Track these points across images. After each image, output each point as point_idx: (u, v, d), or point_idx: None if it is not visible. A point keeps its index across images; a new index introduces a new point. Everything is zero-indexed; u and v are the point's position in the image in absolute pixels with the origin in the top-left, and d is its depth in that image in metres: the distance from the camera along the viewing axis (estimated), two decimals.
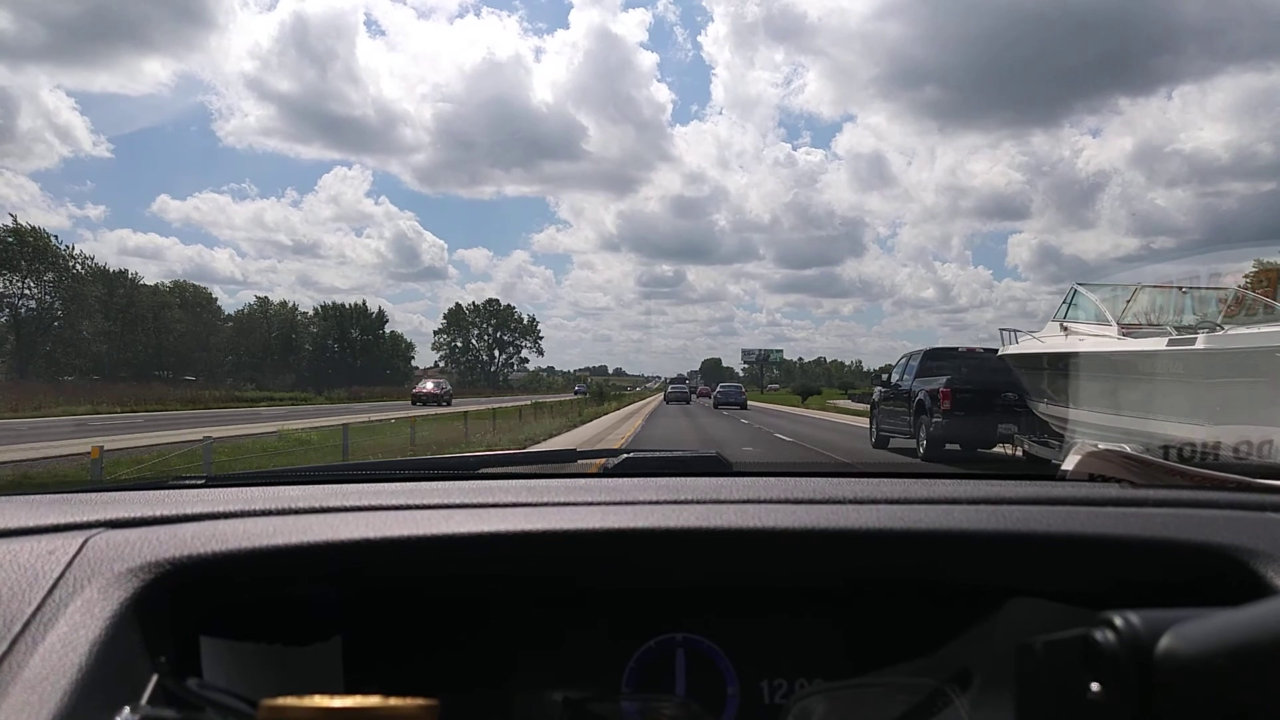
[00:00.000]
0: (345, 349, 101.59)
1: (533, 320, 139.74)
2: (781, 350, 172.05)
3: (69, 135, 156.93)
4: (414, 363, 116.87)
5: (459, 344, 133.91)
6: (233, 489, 1.07)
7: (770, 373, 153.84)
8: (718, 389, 56.00)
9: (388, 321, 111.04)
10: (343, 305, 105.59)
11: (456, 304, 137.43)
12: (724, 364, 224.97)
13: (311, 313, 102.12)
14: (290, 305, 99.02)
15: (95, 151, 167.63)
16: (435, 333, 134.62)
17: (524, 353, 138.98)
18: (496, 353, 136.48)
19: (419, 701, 0.55)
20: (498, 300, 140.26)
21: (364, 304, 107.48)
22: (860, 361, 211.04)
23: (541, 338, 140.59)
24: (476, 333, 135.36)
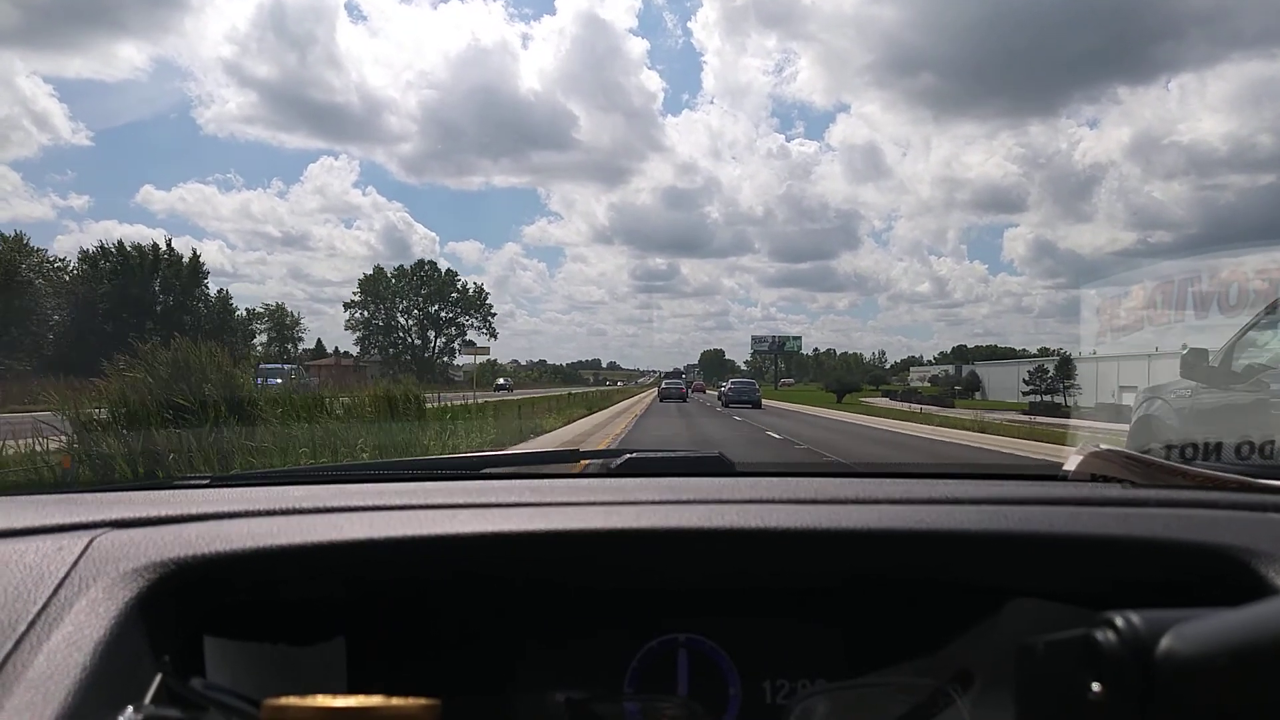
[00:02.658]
0: (129, 314, 59.46)
1: (480, 292, 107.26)
2: (800, 338, 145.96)
3: (47, 123, 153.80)
4: (300, 344, 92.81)
5: (379, 321, 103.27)
6: (237, 489, 1.08)
7: (776, 365, 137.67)
8: (728, 385, 49.87)
9: (206, 274, 69.74)
10: (139, 247, 64.76)
11: (376, 267, 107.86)
12: (726, 356, 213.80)
13: (71, 262, 62.04)
14: (23, 238, 58.13)
15: (75, 140, 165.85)
16: (346, 305, 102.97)
17: (471, 334, 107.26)
18: (432, 334, 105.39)
19: (421, 701, 0.55)
20: (433, 263, 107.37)
21: (169, 243, 67.62)
22: (883, 353, 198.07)
23: (494, 314, 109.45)
24: (404, 305, 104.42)
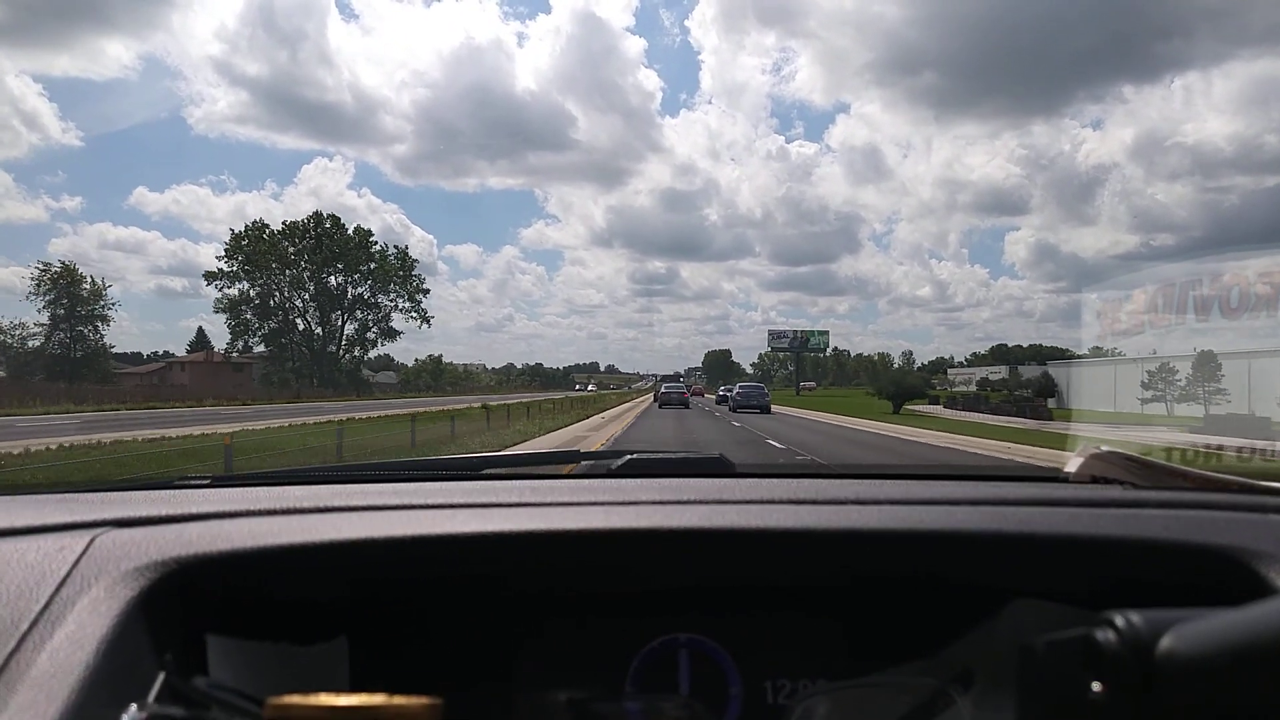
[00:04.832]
0: None
1: (404, 259, 78.65)
2: (826, 333, 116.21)
3: (36, 122, 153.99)
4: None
5: (255, 297, 73.31)
6: (238, 489, 1.08)
7: (798, 367, 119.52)
8: (736, 389, 45.82)
9: None
10: None
11: (258, 221, 76.39)
12: (733, 358, 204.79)
13: None
14: None
15: (65, 139, 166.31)
16: (206, 275, 73.01)
17: (395, 320, 78.99)
18: (338, 318, 77.09)
19: (423, 700, 0.56)
20: (336, 218, 76.61)
21: None
22: (910, 352, 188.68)
23: (426, 291, 79.50)
24: (290, 276, 74.35)
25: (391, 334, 79.84)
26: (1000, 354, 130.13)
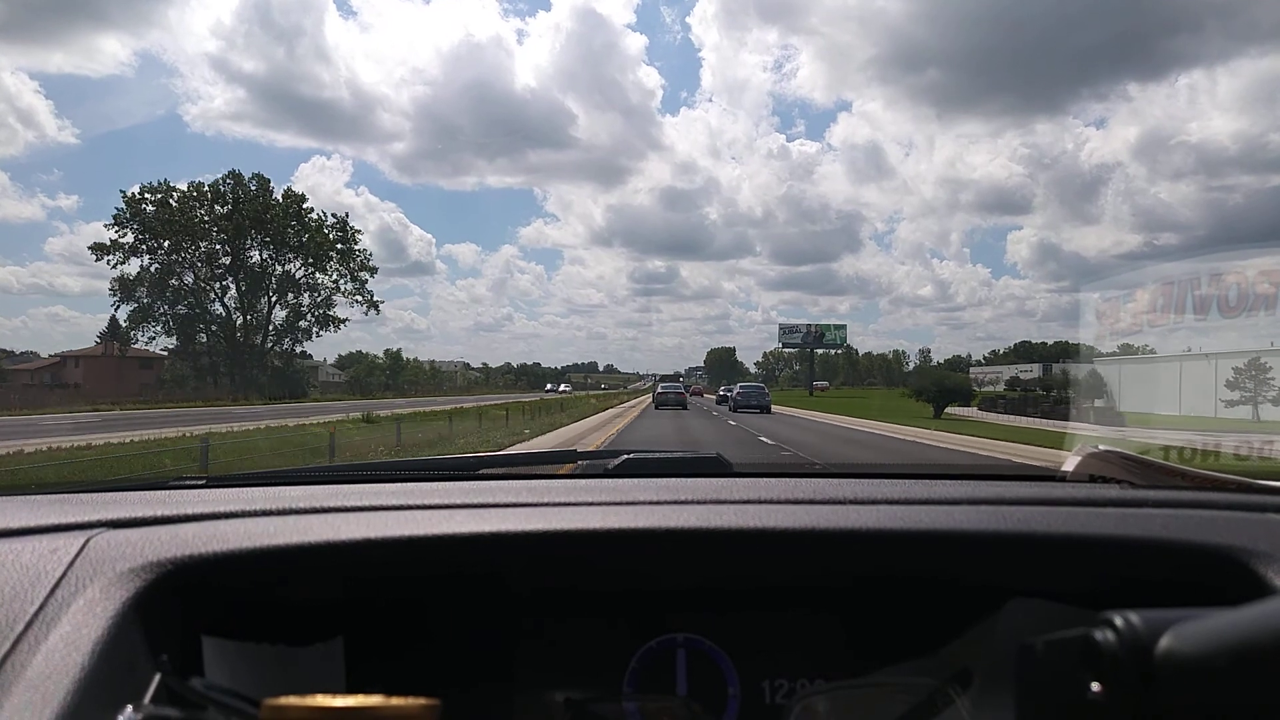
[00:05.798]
0: None
1: (344, 228, 63.51)
2: (844, 327, 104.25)
3: (32, 120, 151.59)
4: None
5: (157, 275, 58.11)
6: (234, 489, 1.08)
7: (812, 364, 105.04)
8: (737, 389, 45.43)
9: None
10: None
11: (162, 182, 59.30)
12: (737, 356, 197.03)
13: None
14: None
15: (61, 137, 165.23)
16: (95, 249, 57.23)
17: (336, 304, 64.03)
18: (264, 302, 62.40)
19: (420, 701, 0.55)
20: (262, 177, 62.44)
21: None
22: (928, 350, 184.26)
23: (373, 270, 64.83)
24: (203, 250, 59.72)
25: (327, 322, 63.86)
26: (1024, 351, 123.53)
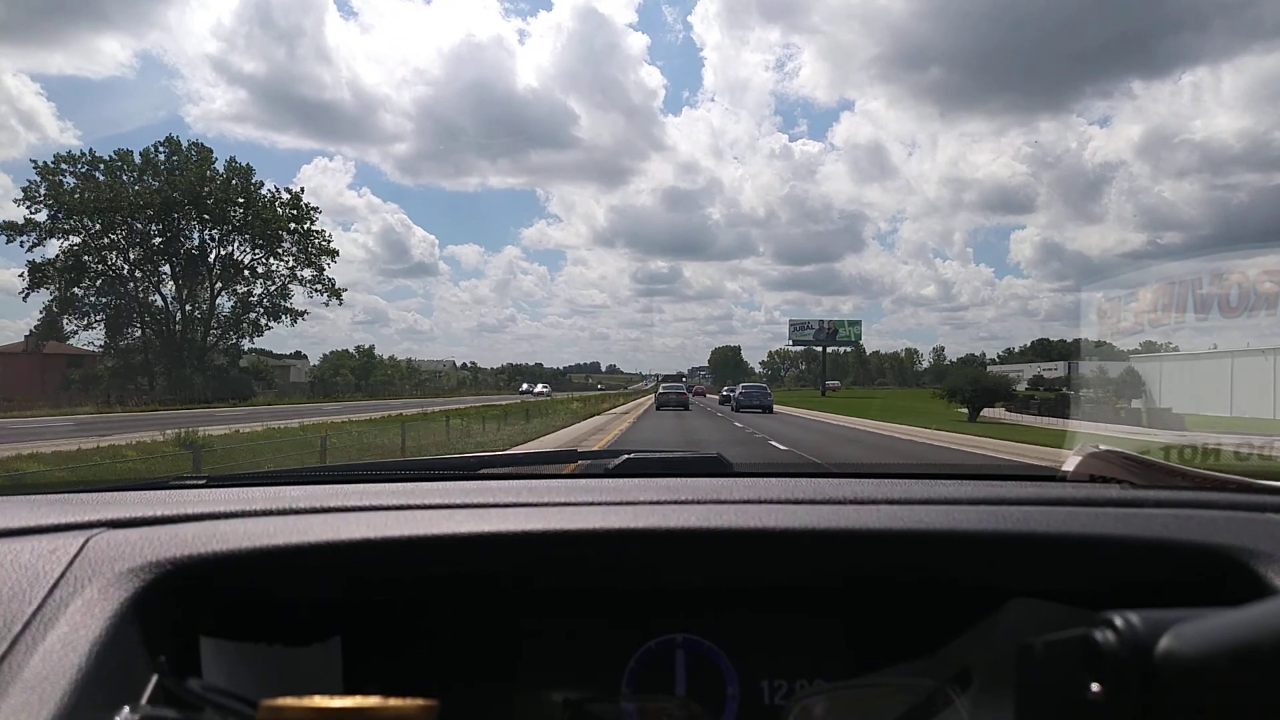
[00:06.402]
0: None
1: (298, 205, 54.08)
2: (859, 323, 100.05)
3: (34, 122, 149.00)
4: None
5: (71, 254, 48.36)
6: (233, 489, 1.08)
7: (824, 361, 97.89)
8: (739, 389, 45.28)
9: None
10: None
11: (87, 151, 52.66)
12: (742, 355, 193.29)
13: None
14: None
15: (63, 139, 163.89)
16: (2, 229, 46.88)
17: (294, 292, 53.92)
18: (209, 289, 53.09)
19: (418, 702, 0.55)
20: (201, 146, 53.28)
21: None
22: (941, 349, 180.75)
23: (333, 253, 55.34)
24: (135, 229, 49.88)
25: (279, 313, 53.87)
26: (1041, 349, 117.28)
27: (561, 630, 0.99)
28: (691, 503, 0.98)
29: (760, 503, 0.98)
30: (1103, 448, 1.20)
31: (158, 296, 53.12)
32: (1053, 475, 1.25)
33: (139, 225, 50.22)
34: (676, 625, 1.00)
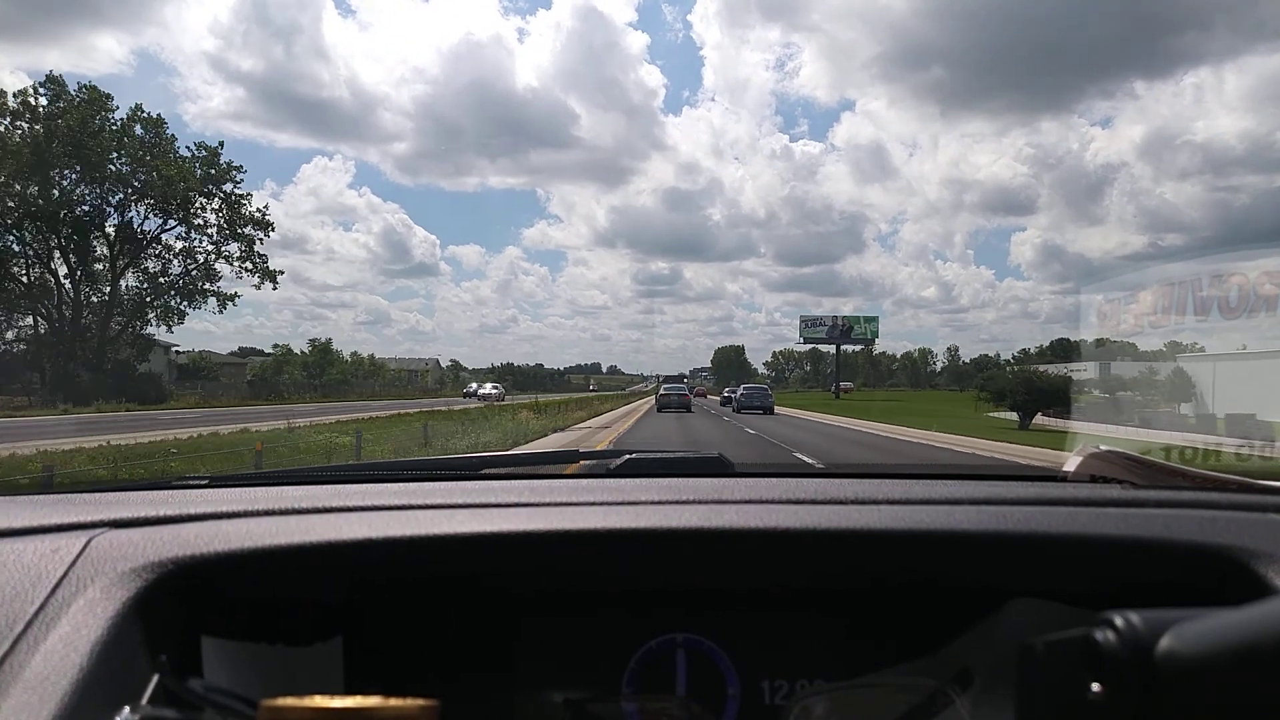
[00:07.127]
0: None
1: (215, 160, 43.76)
2: (876, 319, 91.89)
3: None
4: None
5: None
6: (235, 489, 1.08)
7: (838, 360, 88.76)
8: (740, 390, 45.22)
9: None
10: None
11: None
12: (745, 355, 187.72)
13: None
14: None
15: None
16: None
17: (221, 273, 44.25)
18: (110, 266, 42.86)
19: (419, 702, 0.55)
20: (96, 89, 40.86)
21: None
22: (956, 348, 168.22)
23: (268, 226, 45.50)
24: (23, 213, 37.84)
25: (192, 295, 44.43)
26: (1061, 349, 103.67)
27: (562, 630, 0.99)
28: (693, 503, 0.98)
29: (762, 503, 0.98)
30: (1104, 448, 1.20)
31: (49, 276, 42.52)
32: (1054, 475, 1.25)
33: (15, 185, 39.25)
34: (677, 625, 1.00)
